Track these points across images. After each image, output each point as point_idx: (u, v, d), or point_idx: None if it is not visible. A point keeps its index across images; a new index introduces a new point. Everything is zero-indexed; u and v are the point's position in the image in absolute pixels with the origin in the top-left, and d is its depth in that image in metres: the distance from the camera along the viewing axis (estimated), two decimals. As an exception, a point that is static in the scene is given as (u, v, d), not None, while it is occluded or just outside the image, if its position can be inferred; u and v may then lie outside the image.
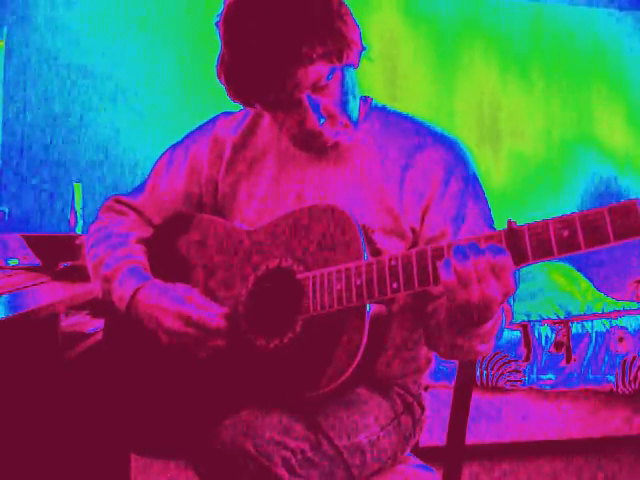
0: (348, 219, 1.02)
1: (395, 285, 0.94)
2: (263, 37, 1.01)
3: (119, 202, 1.33)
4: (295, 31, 1.00)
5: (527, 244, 0.85)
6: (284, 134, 1.16)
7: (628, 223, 0.78)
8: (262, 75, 1.03)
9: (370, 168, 1.17)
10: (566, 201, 3.71)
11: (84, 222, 2.58)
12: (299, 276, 1.05)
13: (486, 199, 1.17)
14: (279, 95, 1.05)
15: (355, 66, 1.11)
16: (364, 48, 1.10)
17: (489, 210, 1.17)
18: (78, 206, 2.56)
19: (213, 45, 1.14)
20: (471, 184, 1.15)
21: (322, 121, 1.09)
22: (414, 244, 1.15)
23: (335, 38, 1.03)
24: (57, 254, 2.10)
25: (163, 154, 1.32)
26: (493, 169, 3.64)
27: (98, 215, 1.33)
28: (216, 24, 1.09)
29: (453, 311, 0.97)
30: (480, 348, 1.06)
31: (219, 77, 1.10)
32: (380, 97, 1.25)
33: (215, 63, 1.12)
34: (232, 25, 1.05)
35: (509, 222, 0.87)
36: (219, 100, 1.22)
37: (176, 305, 1.10)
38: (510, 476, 2.50)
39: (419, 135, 1.18)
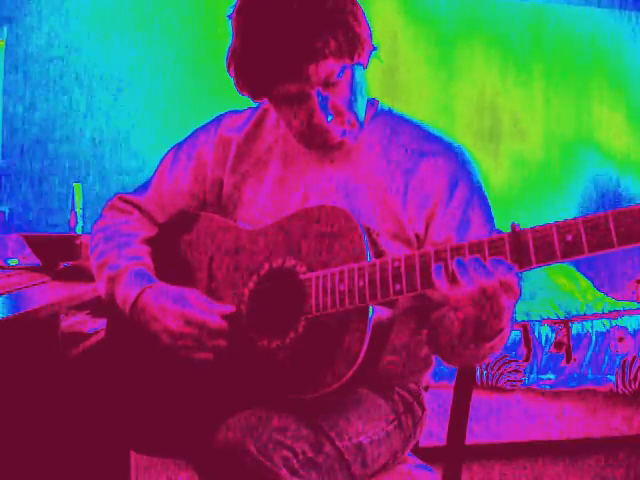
0: (351, 220, 1.02)
1: (398, 287, 0.94)
2: (277, 29, 1.00)
3: (123, 200, 1.32)
4: (309, 25, 1.00)
5: (531, 248, 0.85)
6: (290, 130, 1.16)
7: (632, 228, 0.78)
8: (274, 67, 1.03)
9: (374, 171, 1.17)
10: (566, 202, 3.71)
11: (84, 222, 2.58)
12: (302, 276, 1.05)
13: (490, 208, 1.16)
14: (289, 89, 1.05)
15: (365, 66, 1.11)
16: (374, 48, 1.10)
17: (493, 219, 1.16)
18: (78, 206, 2.55)
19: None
20: (476, 193, 1.15)
21: (330, 118, 1.08)
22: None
23: (348, 35, 1.03)
24: (57, 254, 2.10)
25: (167, 152, 1.32)
26: (493, 170, 3.63)
27: (102, 213, 1.33)
28: (228, 16, 1.08)
29: (464, 323, 0.96)
30: (489, 356, 1.08)
31: (228, 69, 1.10)
32: (380, 96, 1.25)
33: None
34: (246, 16, 1.05)
35: (513, 226, 0.87)
36: (223, 99, 1.22)
37: (178, 306, 1.10)
38: (510, 476, 2.50)
39: (424, 141, 1.18)
